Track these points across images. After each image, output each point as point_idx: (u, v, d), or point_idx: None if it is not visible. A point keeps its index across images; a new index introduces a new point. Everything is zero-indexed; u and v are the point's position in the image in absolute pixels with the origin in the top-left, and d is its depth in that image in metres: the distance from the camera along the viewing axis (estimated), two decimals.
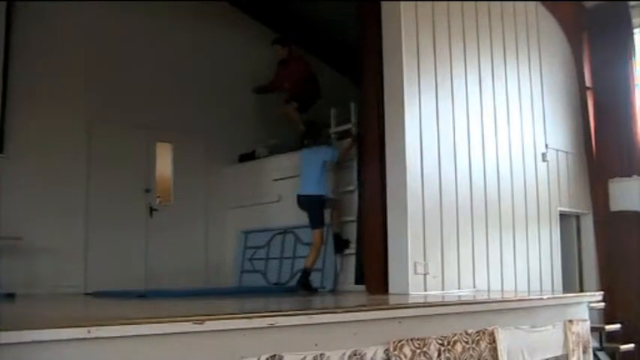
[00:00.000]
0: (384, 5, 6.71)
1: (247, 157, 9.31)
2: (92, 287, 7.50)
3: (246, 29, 9.87)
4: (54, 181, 7.90)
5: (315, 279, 7.31)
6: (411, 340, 3.97)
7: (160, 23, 9.00)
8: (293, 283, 7.65)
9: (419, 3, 6.76)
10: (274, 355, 3.28)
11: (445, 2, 7.08)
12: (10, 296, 6.48)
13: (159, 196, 8.78)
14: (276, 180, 8.46)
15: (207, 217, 9.08)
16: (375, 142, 6.53)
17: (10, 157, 7.67)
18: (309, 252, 7.28)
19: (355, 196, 7.38)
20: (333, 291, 7.27)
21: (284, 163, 8.38)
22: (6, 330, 2.55)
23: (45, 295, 6.99)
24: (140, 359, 2.91)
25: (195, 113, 9.12)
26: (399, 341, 3.90)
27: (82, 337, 2.71)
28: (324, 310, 3.63)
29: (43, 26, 8.05)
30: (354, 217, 7.33)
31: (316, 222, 7.28)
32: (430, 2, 6.90)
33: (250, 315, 3.25)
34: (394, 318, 3.98)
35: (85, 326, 2.74)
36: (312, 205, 7.31)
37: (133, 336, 2.86)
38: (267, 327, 3.26)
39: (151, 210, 8.57)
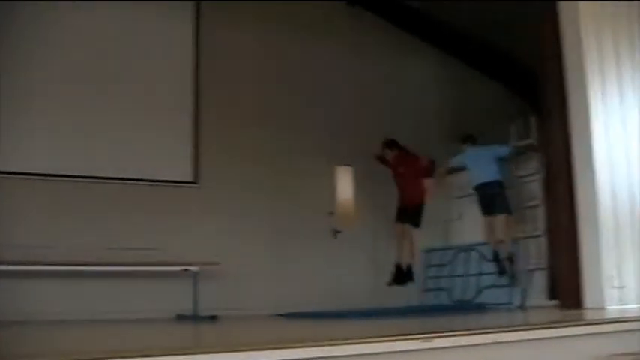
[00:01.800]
0: (563, 10, 6.65)
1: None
2: (279, 309, 7.73)
3: (420, 53, 10.04)
4: (241, 207, 8.38)
5: (502, 295, 7.31)
6: (626, 354, 3.95)
7: (332, 51, 9.36)
8: (479, 300, 7.69)
9: (598, 6, 6.66)
10: None
11: (626, 4, 6.91)
12: (213, 318, 6.82)
13: (341, 218, 9.02)
14: (458, 198, 8.52)
15: (388, 237, 9.11)
16: (562, 156, 6.48)
17: (202, 187, 8.20)
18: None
19: (538, 211, 7.33)
20: (522, 307, 7.21)
21: (464, 180, 8.41)
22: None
23: (239, 317, 7.15)
24: None
25: (374, 136, 9.08)
26: (613, 355, 3.88)
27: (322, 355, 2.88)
28: (542, 326, 3.69)
29: (227, 45, 8.62)
30: (539, 232, 7.28)
31: (501, 207, 7.28)
32: (610, 4, 6.76)
33: (472, 332, 3.37)
34: (609, 332, 3.97)
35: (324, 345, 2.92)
36: (488, 190, 7.35)
37: (368, 354, 3.01)
38: (490, 343, 3.36)
39: (335, 232, 8.86)
